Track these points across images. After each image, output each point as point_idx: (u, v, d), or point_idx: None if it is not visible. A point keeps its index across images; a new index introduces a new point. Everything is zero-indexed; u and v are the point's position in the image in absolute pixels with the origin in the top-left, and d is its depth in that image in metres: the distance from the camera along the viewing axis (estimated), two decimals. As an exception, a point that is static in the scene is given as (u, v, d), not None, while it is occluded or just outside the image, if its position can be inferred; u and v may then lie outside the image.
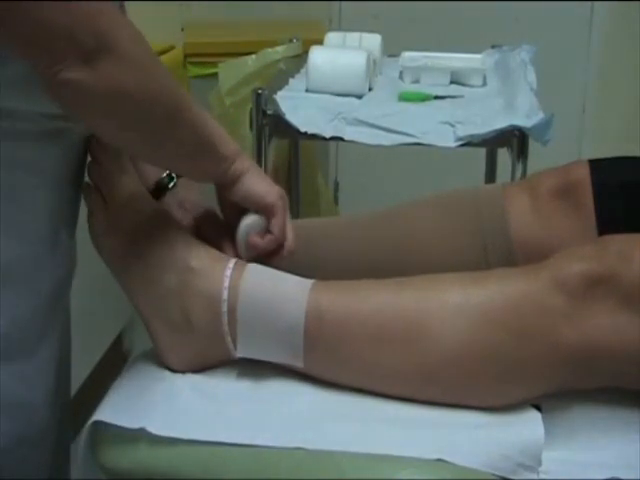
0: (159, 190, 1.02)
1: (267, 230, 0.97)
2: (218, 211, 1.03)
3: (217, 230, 1.01)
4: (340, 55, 1.70)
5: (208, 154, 0.93)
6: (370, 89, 1.71)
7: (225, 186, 0.96)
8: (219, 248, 0.98)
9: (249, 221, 0.97)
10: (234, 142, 0.95)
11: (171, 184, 1.02)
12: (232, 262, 0.94)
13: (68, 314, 1.03)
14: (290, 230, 0.98)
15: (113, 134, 0.87)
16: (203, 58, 2.35)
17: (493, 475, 0.81)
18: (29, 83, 0.84)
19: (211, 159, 0.93)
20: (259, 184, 0.96)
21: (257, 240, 0.96)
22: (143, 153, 0.93)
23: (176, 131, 0.88)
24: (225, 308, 0.91)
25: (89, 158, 0.99)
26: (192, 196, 1.03)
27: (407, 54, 1.87)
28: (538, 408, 0.88)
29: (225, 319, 0.91)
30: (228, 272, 0.92)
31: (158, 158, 0.94)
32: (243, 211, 0.98)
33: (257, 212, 0.97)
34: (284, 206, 0.98)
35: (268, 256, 0.97)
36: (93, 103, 0.80)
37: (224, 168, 0.94)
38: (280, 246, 0.98)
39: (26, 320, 0.90)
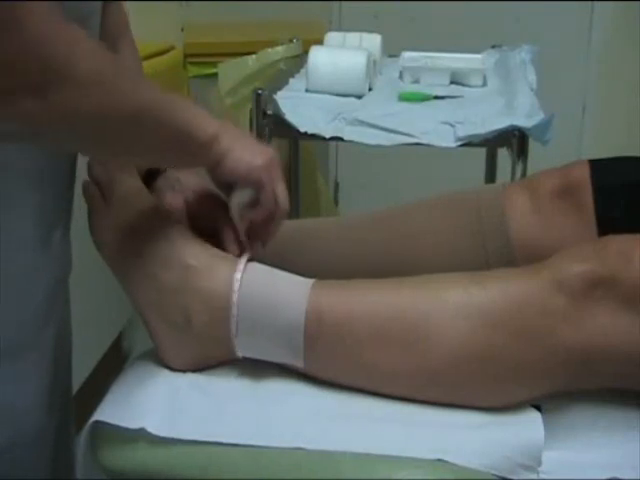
0: (151, 175, 1.02)
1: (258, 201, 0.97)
2: (212, 191, 1.02)
3: (211, 214, 1.00)
4: (340, 55, 1.70)
5: (185, 145, 0.90)
6: (370, 89, 1.71)
7: (210, 169, 0.95)
8: (215, 236, 0.97)
9: (238, 197, 0.97)
10: (213, 121, 0.92)
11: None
12: (241, 264, 0.93)
13: (68, 314, 1.03)
14: (282, 192, 0.97)
15: (81, 150, 0.87)
16: (203, 58, 2.35)
17: (493, 475, 0.81)
18: None
19: (189, 149, 0.91)
20: (241, 161, 0.94)
21: (249, 216, 0.96)
22: (119, 160, 0.92)
23: (147, 134, 0.85)
24: (235, 310, 0.90)
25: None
26: (185, 178, 1.03)
27: (407, 54, 1.87)
28: (538, 408, 0.88)
29: (234, 320, 0.91)
30: (238, 275, 0.92)
31: (136, 160, 0.93)
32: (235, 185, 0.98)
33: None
34: (271, 174, 0.96)
35: (265, 224, 0.98)
36: (49, 130, 0.77)
37: (204, 153, 0.92)
38: (274, 212, 0.97)
39: (18, 323, 0.89)
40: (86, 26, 0.89)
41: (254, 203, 0.97)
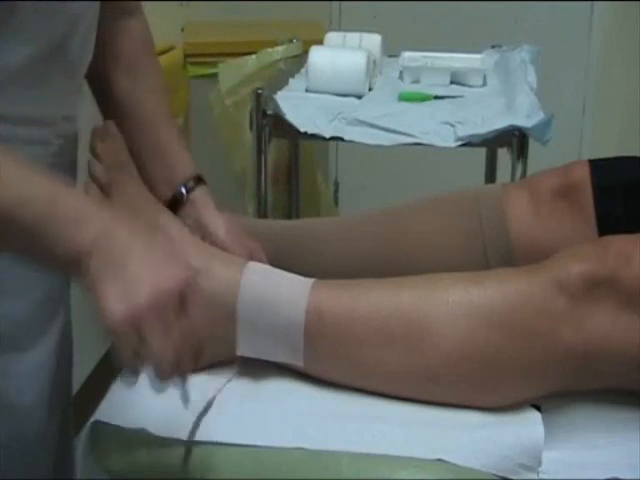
0: (172, 206, 1.01)
1: None
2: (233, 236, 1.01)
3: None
4: (340, 55, 1.70)
5: (42, 254, 0.74)
6: (370, 89, 1.71)
7: None
8: None
9: None
10: (90, 231, 0.73)
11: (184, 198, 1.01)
12: (242, 264, 0.93)
13: (68, 316, 1.03)
14: (156, 348, 0.73)
15: None
16: (203, 58, 2.35)
17: (493, 475, 0.81)
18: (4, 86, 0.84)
19: (48, 260, 0.75)
20: (102, 302, 0.73)
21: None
22: None
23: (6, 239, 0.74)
24: (236, 310, 0.90)
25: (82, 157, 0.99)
26: (206, 217, 1.02)
27: (407, 54, 1.87)
28: (538, 408, 0.88)
29: (234, 319, 0.90)
30: (239, 275, 0.92)
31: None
32: None
33: None
34: (141, 327, 0.73)
35: None
36: None
37: (69, 273, 0.77)
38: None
39: (20, 320, 0.89)
40: (76, 25, 0.89)
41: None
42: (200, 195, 1.02)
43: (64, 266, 0.74)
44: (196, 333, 0.75)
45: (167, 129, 1.04)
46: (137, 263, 0.73)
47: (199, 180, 1.03)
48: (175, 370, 0.74)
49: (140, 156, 1.00)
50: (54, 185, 0.74)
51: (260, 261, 1.00)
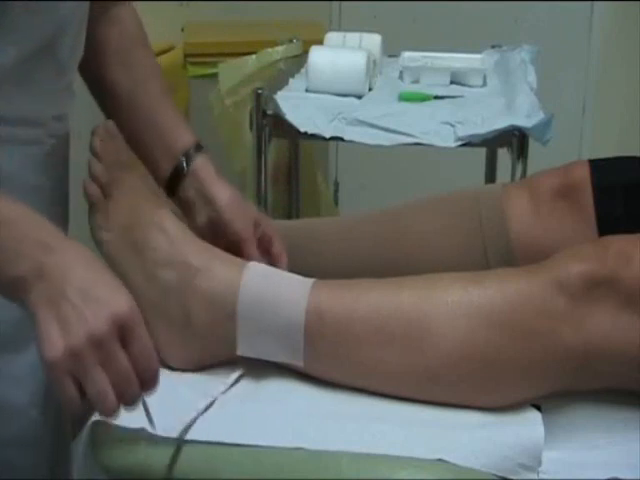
0: (175, 179, 1.02)
1: None
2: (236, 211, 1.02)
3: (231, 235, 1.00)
4: (340, 55, 1.70)
5: None
6: (370, 89, 1.71)
7: None
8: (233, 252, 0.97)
9: None
10: (36, 257, 0.72)
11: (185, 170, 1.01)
12: (242, 264, 0.93)
13: None
14: (95, 385, 0.73)
15: None
16: (203, 58, 2.35)
17: (493, 475, 0.81)
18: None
19: None
20: (42, 338, 0.71)
21: None
22: None
23: None
24: (236, 310, 0.90)
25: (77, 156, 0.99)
26: (210, 189, 1.02)
27: (407, 54, 1.87)
28: (538, 408, 0.88)
29: (235, 320, 0.90)
30: (240, 275, 0.92)
31: None
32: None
33: None
34: (77, 365, 0.72)
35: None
36: None
37: (12, 299, 0.74)
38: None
39: (15, 321, 0.89)
40: (66, 25, 0.89)
41: None
42: (201, 164, 1.02)
43: (7, 291, 0.73)
44: (146, 359, 0.74)
45: (163, 108, 1.04)
46: (77, 295, 0.71)
47: (198, 147, 1.03)
48: (121, 402, 0.73)
49: (137, 136, 1.00)
50: (10, 207, 0.73)
51: (268, 227, 1.01)
